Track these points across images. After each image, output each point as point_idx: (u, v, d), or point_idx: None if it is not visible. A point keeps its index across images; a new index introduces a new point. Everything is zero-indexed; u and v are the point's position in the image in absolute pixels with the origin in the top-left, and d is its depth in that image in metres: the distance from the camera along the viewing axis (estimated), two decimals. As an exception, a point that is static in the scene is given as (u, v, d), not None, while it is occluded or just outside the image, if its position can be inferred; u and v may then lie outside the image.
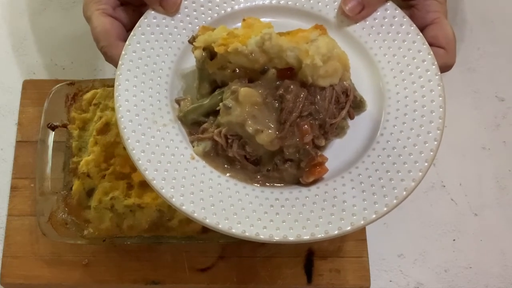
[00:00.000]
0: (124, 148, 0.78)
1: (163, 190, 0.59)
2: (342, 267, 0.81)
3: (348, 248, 0.82)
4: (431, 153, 0.62)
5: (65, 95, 0.86)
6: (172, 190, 0.60)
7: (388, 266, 0.84)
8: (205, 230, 0.79)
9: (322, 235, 0.59)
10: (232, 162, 0.64)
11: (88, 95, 0.86)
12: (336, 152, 0.65)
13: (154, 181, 0.60)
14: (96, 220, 0.79)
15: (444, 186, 0.89)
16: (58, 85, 0.86)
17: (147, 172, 0.60)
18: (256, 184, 0.64)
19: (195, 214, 0.59)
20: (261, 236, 0.59)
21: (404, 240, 0.86)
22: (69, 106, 0.86)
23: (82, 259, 0.81)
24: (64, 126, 0.84)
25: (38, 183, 0.81)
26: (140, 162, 0.61)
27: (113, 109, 0.83)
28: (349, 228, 0.59)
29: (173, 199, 0.59)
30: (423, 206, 0.88)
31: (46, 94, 0.86)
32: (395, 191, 0.61)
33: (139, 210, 0.78)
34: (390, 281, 0.83)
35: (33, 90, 0.92)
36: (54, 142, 0.84)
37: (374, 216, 0.59)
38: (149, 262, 0.81)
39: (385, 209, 0.60)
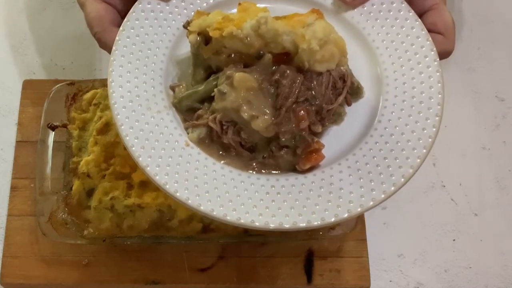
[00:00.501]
0: (125, 147, 0.79)
1: (157, 177, 0.59)
2: (342, 267, 0.81)
3: (348, 248, 0.82)
4: (430, 139, 0.62)
5: (65, 95, 0.86)
6: (166, 177, 0.59)
7: (388, 266, 0.84)
8: (205, 230, 0.79)
9: (319, 222, 0.58)
10: (227, 149, 0.63)
11: (88, 95, 0.86)
12: (333, 139, 0.65)
13: (148, 168, 0.59)
14: (96, 220, 0.79)
15: (444, 186, 0.89)
16: (58, 85, 0.86)
17: (140, 159, 0.60)
18: (251, 171, 0.63)
19: (189, 201, 0.58)
20: (256, 224, 0.58)
21: (404, 240, 0.86)
22: (69, 106, 0.86)
23: (82, 259, 0.81)
24: (64, 126, 0.84)
25: (38, 183, 0.81)
26: (133, 148, 0.60)
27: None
28: (346, 215, 0.58)
29: (167, 186, 0.59)
30: (423, 206, 0.88)
31: (46, 94, 0.86)
32: (393, 178, 0.60)
33: (139, 210, 0.78)
34: (390, 281, 0.83)
35: (33, 90, 0.92)
36: (54, 142, 0.84)
37: (371, 203, 0.59)
38: (149, 262, 0.81)
39: (382, 196, 0.59)
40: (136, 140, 0.60)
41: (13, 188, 0.86)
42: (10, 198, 0.85)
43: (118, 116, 0.61)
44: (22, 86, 0.93)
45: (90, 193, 0.80)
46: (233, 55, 0.64)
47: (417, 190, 0.89)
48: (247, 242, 0.82)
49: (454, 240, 0.86)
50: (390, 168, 0.61)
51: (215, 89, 0.63)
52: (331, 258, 0.82)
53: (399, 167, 0.61)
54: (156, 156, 0.60)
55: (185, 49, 0.68)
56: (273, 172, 0.63)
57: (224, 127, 0.63)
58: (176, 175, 0.60)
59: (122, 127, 0.61)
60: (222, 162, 0.63)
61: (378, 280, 0.83)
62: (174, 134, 0.63)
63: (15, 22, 0.99)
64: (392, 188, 0.59)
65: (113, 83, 0.63)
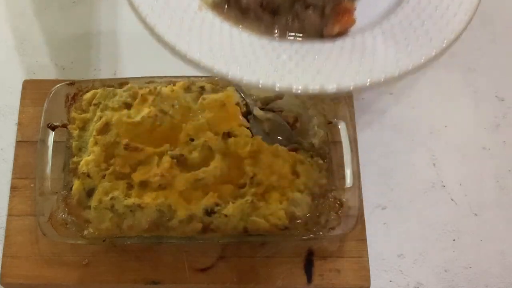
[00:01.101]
0: (125, 148, 0.79)
1: (166, 38, 0.54)
2: (342, 267, 0.81)
3: (348, 248, 0.82)
4: (472, 4, 0.56)
5: (65, 95, 0.86)
6: (176, 37, 0.54)
7: (388, 266, 0.84)
8: (205, 230, 0.79)
9: (351, 85, 0.52)
10: (246, 14, 0.57)
11: (88, 95, 0.86)
12: (365, 8, 0.59)
13: (156, 28, 0.54)
14: (96, 220, 0.79)
15: (444, 186, 0.89)
16: (58, 85, 0.86)
17: (148, 19, 0.55)
18: (273, 36, 0.57)
19: (202, 62, 0.53)
20: (278, 86, 0.52)
21: (404, 240, 0.86)
22: (69, 106, 0.86)
23: (82, 259, 0.81)
24: (64, 126, 0.84)
25: (38, 183, 0.81)
26: (140, 8, 0.55)
27: (113, 109, 0.83)
28: (382, 78, 0.52)
29: (177, 47, 0.53)
30: (423, 206, 0.88)
31: (46, 94, 0.86)
32: (432, 42, 0.54)
33: (139, 210, 0.78)
34: (390, 281, 0.83)
35: (33, 90, 0.92)
36: (54, 142, 0.83)
37: (410, 66, 0.53)
38: (149, 262, 0.81)
39: (422, 60, 0.53)
40: (143, 0, 0.56)
41: (13, 188, 0.86)
42: (10, 198, 0.85)
43: None
44: (22, 86, 0.92)
45: (90, 193, 0.80)
46: None
47: (417, 190, 0.89)
48: (247, 242, 0.82)
49: (454, 240, 0.86)
50: (429, 33, 0.55)
51: None
52: (331, 258, 0.82)
53: (439, 31, 0.55)
54: (166, 17, 0.55)
55: None
56: (298, 36, 0.57)
57: None
58: (188, 37, 0.54)
59: None
60: (240, 27, 0.57)
61: (378, 280, 0.83)
62: None
63: (15, 22, 0.99)
64: (433, 53, 0.54)
65: None
